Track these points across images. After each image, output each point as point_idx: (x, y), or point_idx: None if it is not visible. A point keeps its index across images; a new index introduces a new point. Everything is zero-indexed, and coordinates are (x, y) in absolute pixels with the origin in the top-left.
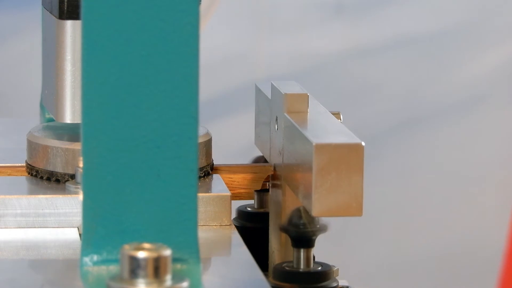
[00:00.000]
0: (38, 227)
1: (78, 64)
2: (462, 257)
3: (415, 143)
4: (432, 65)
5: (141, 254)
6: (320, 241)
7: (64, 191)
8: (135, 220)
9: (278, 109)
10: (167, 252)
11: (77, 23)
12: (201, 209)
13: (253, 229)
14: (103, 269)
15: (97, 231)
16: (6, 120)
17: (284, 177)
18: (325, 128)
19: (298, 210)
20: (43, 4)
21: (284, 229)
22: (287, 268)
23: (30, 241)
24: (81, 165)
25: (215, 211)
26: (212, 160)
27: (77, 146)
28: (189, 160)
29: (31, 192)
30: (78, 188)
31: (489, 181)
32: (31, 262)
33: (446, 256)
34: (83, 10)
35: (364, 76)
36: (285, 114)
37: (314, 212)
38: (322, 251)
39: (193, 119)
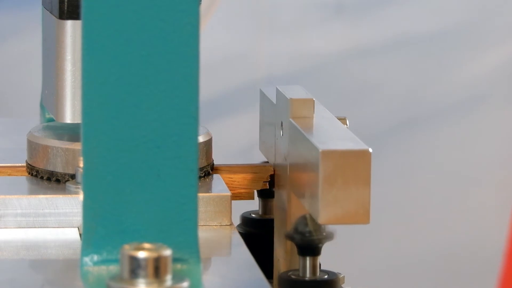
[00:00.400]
0: (38, 227)
1: (78, 64)
2: (462, 257)
3: (415, 143)
4: (432, 65)
5: (141, 254)
6: None
7: (64, 191)
8: (135, 220)
9: (283, 114)
10: (167, 252)
11: (77, 23)
12: (201, 209)
13: (257, 236)
14: (103, 269)
15: (97, 231)
16: (6, 120)
17: (290, 183)
18: (331, 134)
19: (304, 218)
20: (43, 4)
21: (289, 237)
22: (293, 277)
23: (30, 241)
24: (81, 165)
25: (215, 211)
26: (213, 160)
27: (77, 146)
28: (189, 160)
29: (31, 192)
30: (78, 188)
31: (489, 181)
32: (31, 262)
33: (446, 256)
34: (83, 10)
35: (364, 76)
36: (290, 119)
37: (320, 220)
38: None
39: (193, 119)
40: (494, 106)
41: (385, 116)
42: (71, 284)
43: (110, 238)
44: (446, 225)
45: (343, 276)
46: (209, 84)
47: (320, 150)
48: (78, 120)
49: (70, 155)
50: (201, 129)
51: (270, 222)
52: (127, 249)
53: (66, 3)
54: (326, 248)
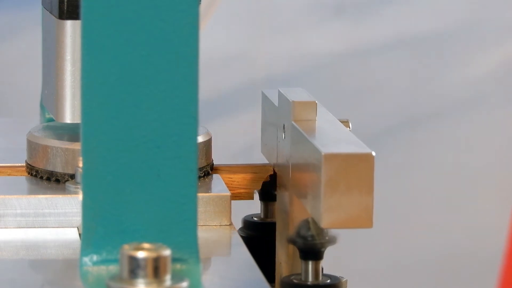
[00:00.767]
0: (38, 227)
1: (78, 64)
2: (462, 257)
3: (415, 143)
4: (432, 65)
5: (140, 254)
6: None
7: (64, 191)
8: (135, 220)
9: (286, 117)
10: (167, 252)
11: (77, 23)
12: (201, 209)
13: (259, 239)
14: (103, 269)
15: (97, 231)
16: (6, 120)
17: (292, 186)
18: (334, 137)
19: (306, 222)
20: (43, 4)
21: (292, 241)
22: (295, 281)
23: (30, 241)
24: (81, 165)
25: (215, 211)
26: (212, 160)
27: (77, 146)
28: (189, 160)
29: (31, 192)
30: (78, 188)
31: (489, 181)
32: (31, 262)
33: (446, 256)
34: (82, 10)
35: (364, 76)
36: (293, 122)
37: (323, 224)
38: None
39: (193, 119)
40: (494, 106)
41: (385, 116)
42: (71, 284)
43: (109, 238)
44: (446, 225)
45: (346, 280)
46: (209, 84)
47: (322, 154)
48: (77, 120)
49: (69, 155)
50: (200, 129)
51: (272, 225)
52: (127, 249)
53: (65, 3)
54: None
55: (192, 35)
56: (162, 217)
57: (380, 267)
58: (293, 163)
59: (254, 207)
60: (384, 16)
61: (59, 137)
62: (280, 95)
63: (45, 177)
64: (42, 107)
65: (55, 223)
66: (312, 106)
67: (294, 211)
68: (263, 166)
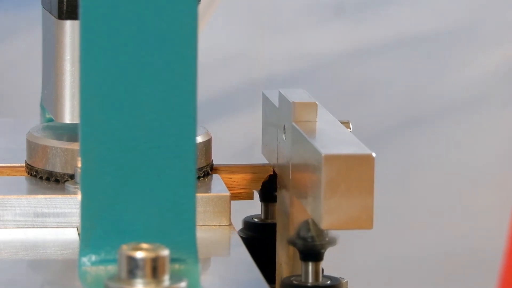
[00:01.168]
0: (37, 227)
1: (78, 64)
2: (462, 257)
3: (415, 143)
4: (432, 65)
5: (139, 254)
6: None
7: (63, 191)
8: (134, 220)
9: (286, 118)
10: (165, 252)
11: (76, 23)
12: (200, 209)
13: (259, 240)
14: (101, 269)
15: (96, 231)
16: (6, 120)
17: (292, 187)
18: (334, 138)
19: (306, 223)
20: (42, 4)
21: (292, 242)
22: (295, 282)
23: (29, 241)
24: (79, 165)
25: (214, 211)
26: (212, 160)
27: (77, 146)
28: (188, 160)
29: (30, 192)
30: (77, 188)
31: (489, 181)
32: (30, 262)
33: (446, 256)
34: (81, 10)
35: (364, 76)
36: (293, 123)
37: (323, 225)
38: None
39: (192, 119)
40: (494, 106)
41: (385, 116)
42: (71, 284)
43: (108, 238)
44: (446, 225)
45: (346, 281)
46: (209, 84)
47: (323, 155)
48: (77, 120)
49: (69, 155)
50: (200, 129)
51: (273, 226)
52: (125, 249)
53: (65, 3)
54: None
55: (191, 35)
56: (161, 217)
57: (380, 267)
58: (293, 164)
59: (253, 207)
60: (384, 16)
61: (59, 137)
62: (281, 96)
63: (45, 177)
64: (42, 107)
65: (54, 223)
66: (313, 107)
67: (295, 212)
68: (262, 166)
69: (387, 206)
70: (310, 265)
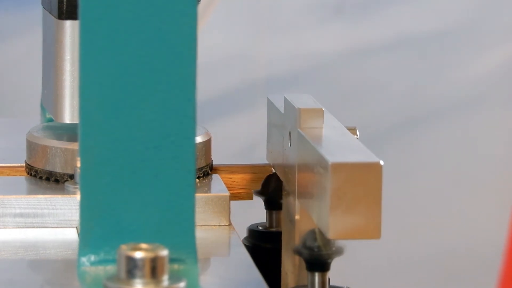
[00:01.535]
0: (37, 227)
1: (77, 64)
2: (462, 257)
3: (415, 143)
4: (432, 65)
5: (138, 255)
6: None
7: (63, 191)
8: (133, 220)
9: (292, 124)
10: (164, 252)
11: (76, 23)
12: (200, 209)
13: (264, 249)
14: (101, 269)
15: (95, 231)
16: (6, 120)
17: (298, 195)
18: (341, 145)
19: (312, 232)
20: (42, 4)
21: (297, 252)
22: None
23: (29, 241)
24: (79, 165)
25: (214, 211)
26: (212, 160)
27: (76, 146)
28: (187, 160)
29: (30, 192)
30: (77, 188)
31: (489, 181)
32: (30, 262)
33: (446, 256)
34: (80, 10)
35: (364, 76)
36: (299, 129)
37: (330, 235)
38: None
39: (191, 119)
40: (494, 106)
41: (385, 116)
42: (70, 284)
43: (107, 238)
44: (446, 225)
45: None
46: (209, 84)
47: (329, 163)
48: (77, 120)
49: (69, 155)
50: (200, 129)
51: (278, 234)
52: (124, 249)
53: (65, 3)
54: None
55: (191, 35)
56: (160, 218)
57: (380, 267)
58: (299, 172)
59: (253, 207)
60: (384, 16)
61: (59, 137)
62: (286, 101)
63: (45, 177)
64: (42, 107)
65: (54, 223)
66: (319, 113)
67: (300, 221)
68: (262, 166)
69: (387, 206)
70: (317, 275)
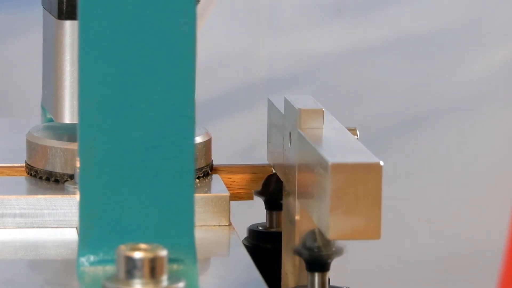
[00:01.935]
0: (37, 227)
1: (77, 64)
2: (462, 257)
3: (415, 142)
4: (433, 65)
5: (137, 255)
6: None
7: (63, 191)
8: (132, 221)
9: (292, 125)
10: (163, 252)
11: (76, 23)
12: (200, 209)
13: (265, 249)
14: (100, 270)
15: (94, 232)
16: (6, 120)
17: (298, 196)
18: (341, 146)
19: (312, 232)
20: (42, 4)
21: (297, 252)
22: None
23: (29, 241)
24: (78, 165)
25: (214, 212)
26: (212, 160)
27: (76, 146)
28: (186, 160)
29: (30, 192)
30: (77, 188)
31: (489, 181)
32: (29, 262)
33: (446, 256)
34: (79, 10)
35: (364, 76)
36: (299, 130)
37: (330, 235)
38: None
39: (190, 120)
40: (494, 105)
41: (385, 116)
42: (70, 284)
43: (106, 238)
44: (446, 225)
45: None
46: (209, 84)
47: (329, 163)
48: (76, 120)
49: (69, 155)
50: (200, 130)
51: (278, 235)
52: (123, 249)
53: (64, 3)
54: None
55: (190, 35)
56: (159, 218)
57: (380, 267)
58: (299, 172)
59: (253, 207)
60: (384, 16)
61: (59, 137)
62: (286, 102)
63: (45, 177)
64: (42, 107)
65: (54, 224)
66: (319, 114)
67: (300, 221)
68: (262, 166)
69: (387, 206)
70: (316, 276)
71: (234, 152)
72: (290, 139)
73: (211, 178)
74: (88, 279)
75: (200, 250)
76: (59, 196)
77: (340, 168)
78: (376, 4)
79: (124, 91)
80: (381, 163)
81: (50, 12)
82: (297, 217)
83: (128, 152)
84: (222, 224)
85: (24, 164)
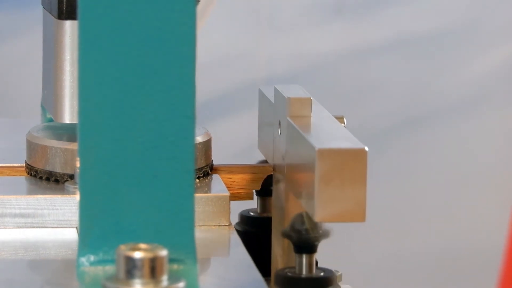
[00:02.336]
0: (37, 227)
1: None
2: (462, 257)
3: (415, 143)
4: (433, 65)
5: (137, 255)
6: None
7: (63, 191)
8: (132, 221)
9: (281, 113)
10: (163, 252)
11: (76, 23)
12: (200, 209)
13: (255, 234)
14: (100, 269)
15: (94, 232)
16: (6, 120)
17: (287, 182)
18: (328, 133)
19: (300, 216)
20: (42, 4)
21: (286, 235)
22: (289, 274)
23: (28, 241)
24: (78, 165)
25: (213, 212)
26: (212, 160)
27: (76, 146)
28: (186, 160)
29: (30, 192)
30: (77, 188)
31: (489, 181)
32: (29, 262)
33: (446, 256)
34: (79, 10)
35: (364, 76)
36: (288, 118)
37: (316, 217)
38: (322, 250)
39: (190, 120)
40: (494, 106)
41: (385, 116)
42: (70, 284)
43: (106, 238)
44: (446, 225)
45: (341, 274)
46: (209, 84)
47: (316, 149)
48: (76, 120)
49: (69, 155)
50: (200, 130)
51: (268, 220)
52: (123, 249)
53: (64, 3)
54: (327, 248)
55: (189, 35)
56: (159, 218)
57: (380, 267)
58: (288, 159)
59: (253, 207)
60: (384, 16)
61: (59, 137)
62: (276, 91)
63: (44, 177)
64: (42, 107)
65: (54, 224)
66: (307, 102)
67: (290, 206)
68: (262, 166)
69: (387, 205)
70: (304, 257)
71: (234, 152)
72: (280, 127)
73: (211, 178)
74: (88, 279)
75: (200, 250)
76: (59, 196)
77: (327, 153)
78: (376, 4)
79: (124, 91)
80: (366, 148)
81: (50, 12)
82: (286, 202)
83: (128, 152)
84: (222, 224)
85: (24, 164)
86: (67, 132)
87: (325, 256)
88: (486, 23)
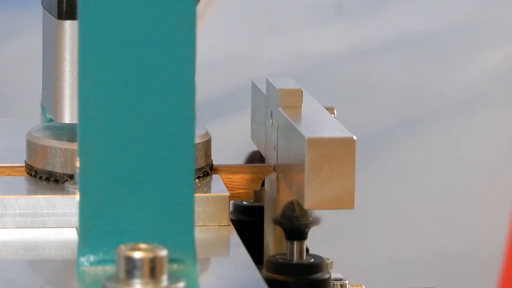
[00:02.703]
0: (36, 227)
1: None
2: (462, 257)
3: (415, 142)
4: (433, 65)
5: (137, 255)
6: (320, 241)
7: (63, 191)
8: (132, 221)
9: (273, 104)
10: (163, 252)
11: (76, 23)
12: (200, 209)
13: (249, 222)
14: (100, 269)
15: (94, 232)
16: (6, 120)
17: (279, 171)
18: (318, 123)
19: (291, 203)
20: (42, 4)
21: (277, 222)
22: (280, 260)
23: (28, 241)
24: (78, 165)
25: (213, 212)
26: (212, 160)
27: (76, 146)
28: (186, 160)
29: (30, 192)
30: (76, 188)
31: (489, 181)
32: (29, 262)
33: (446, 256)
34: (79, 10)
35: (364, 76)
36: (280, 109)
37: (306, 205)
38: (322, 250)
39: (190, 120)
40: (494, 106)
41: (385, 116)
42: (70, 284)
43: (106, 238)
44: (445, 225)
45: (331, 262)
46: (209, 84)
47: (306, 138)
48: (76, 120)
49: (68, 155)
50: (200, 130)
51: (261, 209)
52: (123, 249)
53: (64, 3)
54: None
55: (189, 35)
56: (159, 218)
57: (380, 267)
58: (279, 148)
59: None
60: (384, 16)
61: (59, 137)
62: (268, 83)
63: (44, 177)
64: (42, 107)
65: (54, 224)
66: (298, 93)
67: (281, 195)
68: (262, 166)
69: (386, 205)
70: (295, 244)
71: (234, 152)
72: (271, 118)
73: (211, 178)
74: (88, 279)
75: (199, 250)
76: (59, 196)
77: (316, 142)
78: (376, 4)
79: (124, 91)
80: (355, 137)
81: (50, 12)
82: (278, 191)
83: (128, 152)
84: (222, 224)
85: (24, 164)
86: (67, 132)
87: (326, 256)
88: (486, 23)
